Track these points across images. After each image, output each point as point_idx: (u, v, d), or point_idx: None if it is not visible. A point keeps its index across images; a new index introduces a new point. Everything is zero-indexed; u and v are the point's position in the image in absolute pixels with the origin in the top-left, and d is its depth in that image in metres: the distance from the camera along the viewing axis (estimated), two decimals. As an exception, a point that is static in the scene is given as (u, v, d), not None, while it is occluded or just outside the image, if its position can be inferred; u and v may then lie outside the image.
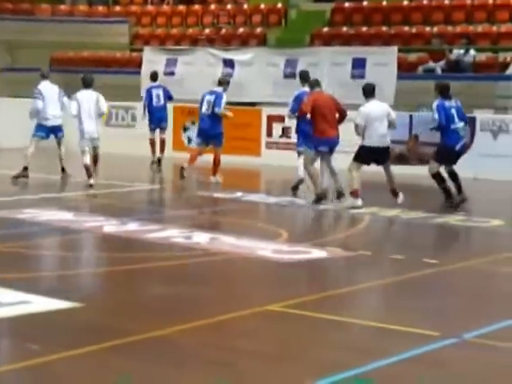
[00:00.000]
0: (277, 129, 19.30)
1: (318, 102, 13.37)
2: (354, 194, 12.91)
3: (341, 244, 10.04)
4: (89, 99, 15.19)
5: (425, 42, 20.64)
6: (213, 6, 25.00)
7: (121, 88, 21.40)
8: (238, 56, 20.83)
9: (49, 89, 15.82)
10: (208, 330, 6.48)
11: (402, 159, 17.71)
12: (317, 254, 9.34)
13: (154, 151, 18.10)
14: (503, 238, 11.24)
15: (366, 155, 13.08)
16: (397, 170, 17.02)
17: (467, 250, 10.47)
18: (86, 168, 14.82)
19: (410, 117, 17.71)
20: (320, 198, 13.26)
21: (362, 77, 18.52)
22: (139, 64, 22.15)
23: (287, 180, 17.22)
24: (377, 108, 13.08)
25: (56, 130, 15.80)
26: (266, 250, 9.46)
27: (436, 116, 13.01)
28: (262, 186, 17.32)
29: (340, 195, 13.31)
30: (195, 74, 20.72)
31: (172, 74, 21.30)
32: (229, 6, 24.75)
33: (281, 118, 19.12)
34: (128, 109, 21.45)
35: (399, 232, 11.77)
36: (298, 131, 14.52)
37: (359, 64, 19.04)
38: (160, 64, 21.56)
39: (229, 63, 20.74)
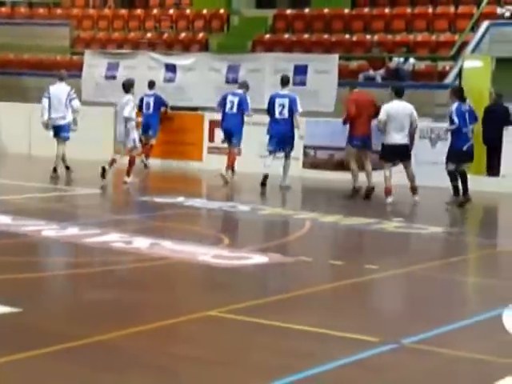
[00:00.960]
0: (219, 134, 19.31)
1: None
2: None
3: (282, 249, 10.08)
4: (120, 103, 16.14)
5: (365, 50, 20.86)
6: (155, 11, 24.94)
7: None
8: (180, 61, 20.80)
9: (57, 90, 16.90)
10: (148, 336, 6.46)
11: (342, 165, 17.84)
12: (258, 259, 9.37)
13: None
14: (441, 244, 11.40)
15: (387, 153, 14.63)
16: (337, 176, 17.26)
17: (406, 256, 10.59)
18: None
19: (351, 124, 17.85)
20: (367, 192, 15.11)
21: (304, 84, 18.64)
22: (80, 67, 21.98)
23: (229, 185, 17.26)
24: (397, 107, 14.46)
25: (58, 131, 16.98)
26: (206, 255, 9.46)
27: (456, 119, 14.13)
28: (203, 191, 17.31)
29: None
30: (137, 78, 20.58)
31: (113, 77, 21.18)
32: (171, 11, 24.72)
33: (222, 123, 19.15)
34: (69, 112, 21.19)
35: (339, 238, 11.86)
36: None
37: (301, 71, 19.16)
38: (101, 68, 21.45)
39: (171, 68, 20.71)
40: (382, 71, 19.62)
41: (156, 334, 6.52)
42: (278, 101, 16.30)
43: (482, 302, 8.16)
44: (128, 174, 15.94)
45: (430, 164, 16.74)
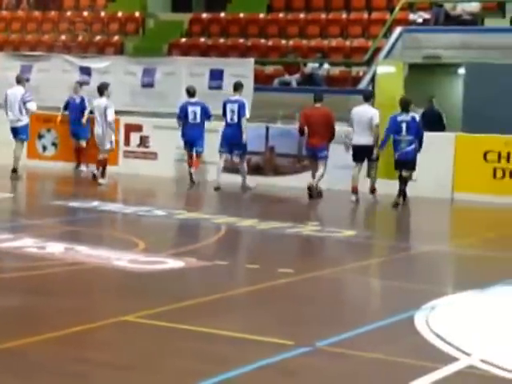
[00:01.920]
0: (134, 138, 19.21)
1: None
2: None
3: (197, 254, 10.08)
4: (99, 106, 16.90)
5: (281, 55, 21.01)
6: (69, 13, 24.67)
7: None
8: (95, 64, 20.61)
9: (13, 93, 17.56)
10: (60, 342, 6.38)
11: (258, 170, 17.95)
12: (173, 264, 9.35)
13: None
14: (355, 247, 11.55)
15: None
16: (253, 180, 17.33)
17: (321, 260, 10.70)
18: None
19: (267, 128, 17.97)
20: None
21: (220, 88, 18.67)
22: (-8, 70, 21.58)
23: (145, 189, 17.20)
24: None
25: (15, 132, 17.58)
26: (121, 260, 9.40)
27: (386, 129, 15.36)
28: (119, 196, 17.18)
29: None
30: (51, 80, 20.37)
31: (27, 80, 20.84)
32: (85, 13, 24.48)
33: (138, 127, 19.05)
34: (-20, 115, 20.82)
35: (255, 242, 11.91)
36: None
37: (217, 75, 19.19)
38: (14, 70, 21.07)
39: (85, 71, 20.50)
40: (297, 76, 19.78)
41: (68, 341, 6.45)
42: (228, 106, 16.83)
43: (394, 304, 8.29)
44: (103, 175, 16.77)
45: (344, 168, 16.94)
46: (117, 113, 19.12)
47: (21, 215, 13.69)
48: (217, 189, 16.51)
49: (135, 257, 9.68)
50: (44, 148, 19.96)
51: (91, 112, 18.19)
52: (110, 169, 18.49)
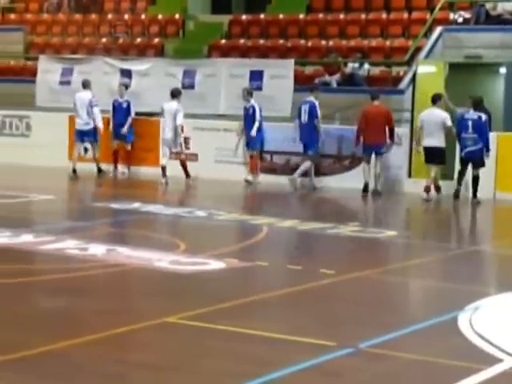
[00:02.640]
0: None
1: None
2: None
3: (238, 255, 10.08)
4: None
5: (321, 56, 20.94)
6: (110, 16, 24.79)
7: (15, 97, 21.01)
8: (136, 66, 20.70)
9: (80, 97, 18.52)
10: (102, 344, 6.41)
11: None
12: (215, 265, 9.36)
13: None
14: (397, 248, 11.48)
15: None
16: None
17: (362, 260, 10.64)
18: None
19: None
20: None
21: (260, 89, 18.66)
22: (34, 73, 21.79)
23: (185, 190, 17.24)
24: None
25: (83, 135, 18.53)
26: (163, 261, 9.43)
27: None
28: (160, 197, 17.24)
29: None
30: (92, 83, 20.48)
31: (68, 83, 21.03)
32: (126, 16, 24.60)
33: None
34: (22, 118, 21.06)
35: (296, 242, 11.89)
36: None
37: (257, 76, 19.18)
38: (56, 73, 21.27)
39: (126, 73, 20.60)
40: (337, 76, 19.71)
41: (110, 342, 6.47)
42: (302, 107, 17.16)
43: (437, 305, 8.22)
44: (187, 174, 17.59)
45: (388, 169, 16.89)
46: (157, 114, 19.27)
47: (63, 217, 13.78)
48: (315, 189, 16.79)
49: (177, 258, 9.71)
50: (85, 150, 20.07)
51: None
52: (150, 170, 18.61)
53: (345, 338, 6.68)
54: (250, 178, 17.53)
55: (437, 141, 15.86)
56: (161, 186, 17.21)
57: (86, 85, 18.87)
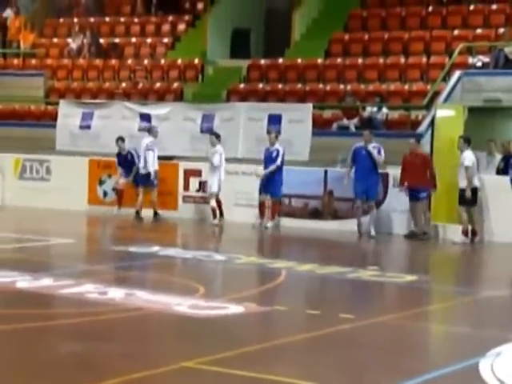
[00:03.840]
0: (193, 183, 19.33)
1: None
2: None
3: (257, 299, 10.04)
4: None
5: (339, 99, 21.02)
6: (130, 61, 25.04)
7: (35, 141, 21.20)
8: (155, 110, 20.86)
9: (142, 143, 18.88)
10: (123, 388, 6.38)
11: (316, 214, 17.90)
12: (233, 309, 9.32)
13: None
14: (417, 293, 11.39)
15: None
16: (311, 224, 17.29)
17: (382, 305, 10.57)
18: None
19: (325, 172, 17.93)
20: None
21: (278, 133, 18.73)
22: (55, 117, 21.99)
23: (204, 234, 17.24)
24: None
25: (139, 180, 18.85)
26: (182, 305, 9.41)
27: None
28: (178, 240, 17.25)
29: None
30: (111, 127, 20.66)
31: (88, 127, 21.20)
32: (146, 61, 24.83)
33: (197, 172, 19.18)
34: (42, 162, 21.22)
35: (315, 287, 11.83)
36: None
37: (275, 120, 19.26)
38: (76, 118, 21.45)
39: (145, 117, 20.75)
40: (355, 120, 19.77)
41: (131, 387, 6.44)
42: (360, 151, 17.02)
43: (458, 351, 8.14)
44: (221, 213, 17.77)
45: (406, 212, 16.87)
46: (176, 158, 19.38)
47: (82, 261, 13.80)
48: (371, 237, 16.50)
49: (196, 302, 9.68)
50: (105, 194, 20.18)
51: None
52: (168, 213, 18.65)
53: (365, 384, 6.62)
54: (269, 224, 17.40)
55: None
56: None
57: (149, 131, 19.23)
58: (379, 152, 16.77)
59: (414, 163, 16.51)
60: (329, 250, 15.94)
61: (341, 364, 7.37)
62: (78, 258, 13.98)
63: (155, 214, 18.65)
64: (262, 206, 17.55)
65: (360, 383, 6.62)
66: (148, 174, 18.68)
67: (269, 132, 18.11)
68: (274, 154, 17.52)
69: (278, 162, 17.39)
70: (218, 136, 18.02)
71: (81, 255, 14.49)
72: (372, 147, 16.79)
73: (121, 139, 19.24)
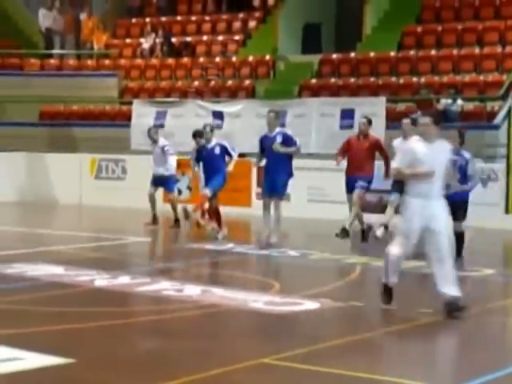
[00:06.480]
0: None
1: None
2: None
3: (332, 295, 9.99)
4: None
5: (412, 92, 20.80)
6: (202, 59, 25.17)
7: (110, 141, 21.49)
8: (227, 108, 20.94)
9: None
10: (201, 385, 6.41)
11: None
12: (309, 305, 9.30)
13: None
14: (495, 286, 11.22)
15: None
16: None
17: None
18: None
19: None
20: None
21: (351, 127, 18.61)
22: (129, 117, 22.25)
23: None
24: None
25: (158, 182, 17.30)
26: (258, 301, 9.42)
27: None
28: (253, 237, 17.28)
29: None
30: (185, 126, 20.79)
31: (161, 126, 21.38)
32: (217, 59, 24.94)
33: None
34: (118, 161, 21.49)
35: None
36: None
37: (348, 115, 19.16)
38: (149, 117, 21.66)
39: (218, 115, 20.84)
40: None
41: (209, 383, 6.46)
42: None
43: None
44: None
45: (481, 205, 16.59)
46: (248, 155, 19.40)
47: (158, 258, 13.93)
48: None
49: (271, 298, 9.68)
50: (179, 192, 20.32)
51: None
52: (242, 210, 18.69)
53: (440, 380, 6.53)
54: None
55: None
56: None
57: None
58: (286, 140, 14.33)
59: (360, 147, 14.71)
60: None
61: (417, 359, 7.29)
62: (154, 255, 14.12)
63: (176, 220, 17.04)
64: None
65: (439, 378, 6.53)
66: (170, 177, 17.51)
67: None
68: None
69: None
70: (212, 129, 16.15)
71: (157, 253, 14.63)
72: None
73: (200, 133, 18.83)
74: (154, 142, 17.57)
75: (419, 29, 22.80)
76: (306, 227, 17.54)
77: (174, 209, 16.96)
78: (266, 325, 8.62)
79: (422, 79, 21.07)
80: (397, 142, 14.12)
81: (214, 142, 15.57)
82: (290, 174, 14.58)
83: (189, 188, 19.93)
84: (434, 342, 7.93)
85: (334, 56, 23.28)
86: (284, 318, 8.80)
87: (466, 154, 12.73)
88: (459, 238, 12.31)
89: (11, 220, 18.95)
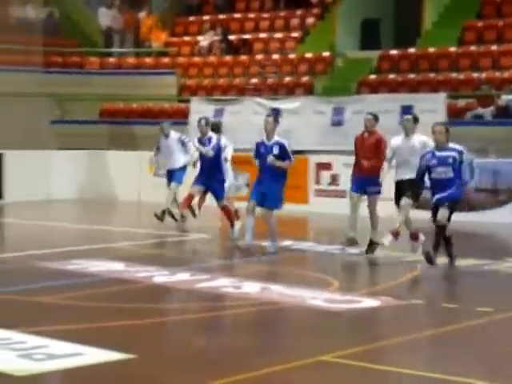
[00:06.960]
0: (325, 176, 19.26)
1: None
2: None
3: (392, 293, 9.91)
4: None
5: (473, 88, 20.54)
6: (259, 56, 25.16)
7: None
8: (285, 105, 20.90)
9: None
10: (257, 383, 6.39)
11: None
12: (368, 302, 9.24)
13: None
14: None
15: None
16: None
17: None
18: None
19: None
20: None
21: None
22: (187, 115, 22.34)
23: (336, 228, 17.13)
24: None
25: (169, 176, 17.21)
26: (317, 299, 9.38)
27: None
28: (311, 235, 17.22)
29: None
30: (242, 123, 20.81)
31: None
32: (275, 56, 24.90)
33: (328, 166, 19.10)
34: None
35: (452, 280, 11.59)
36: None
37: (407, 111, 18.96)
38: (208, 114, 21.68)
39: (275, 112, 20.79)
40: (491, 109, 19.27)
41: (264, 381, 6.45)
42: None
43: None
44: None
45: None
46: (306, 152, 19.34)
47: (217, 255, 13.96)
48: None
49: (330, 296, 9.63)
50: (237, 189, 20.31)
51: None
52: (300, 208, 18.64)
53: (501, 379, 6.43)
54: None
55: None
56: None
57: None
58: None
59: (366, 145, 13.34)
60: (465, 242, 15.58)
61: (477, 358, 7.19)
62: (212, 252, 14.15)
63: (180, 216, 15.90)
64: None
65: (496, 378, 6.43)
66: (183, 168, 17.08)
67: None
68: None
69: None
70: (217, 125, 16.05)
71: (215, 250, 14.66)
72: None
73: None
74: (166, 136, 17.25)
75: (480, 24, 22.50)
76: (362, 224, 17.40)
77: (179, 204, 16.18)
78: (326, 322, 8.58)
79: (483, 75, 20.79)
80: (396, 140, 13.26)
81: (209, 135, 15.06)
82: (283, 185, 13.56)
83: (247, 185, 19.91)
84: (495, 341, 7.81)
85: (393, 52, 23.09)
86: (343, 316, 8.75)
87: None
88: None
89: (72, 217, 19.18)
